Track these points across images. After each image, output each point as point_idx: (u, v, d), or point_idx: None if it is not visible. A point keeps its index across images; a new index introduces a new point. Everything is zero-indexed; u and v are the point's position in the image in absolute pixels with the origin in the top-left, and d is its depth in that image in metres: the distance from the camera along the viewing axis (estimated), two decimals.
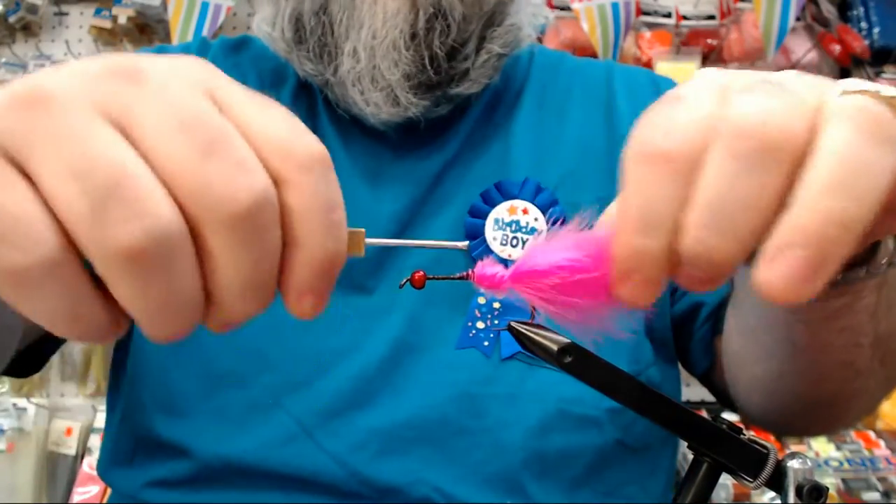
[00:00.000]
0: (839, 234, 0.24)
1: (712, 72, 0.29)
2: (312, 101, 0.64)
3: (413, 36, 0.54)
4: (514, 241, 0.58)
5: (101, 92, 0.24)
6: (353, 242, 0.29)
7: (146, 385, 0.60)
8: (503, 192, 0.59)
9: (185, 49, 0.70)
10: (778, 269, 0.24)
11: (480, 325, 0.57)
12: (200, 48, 0.69)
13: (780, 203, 0.25)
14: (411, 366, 0.57)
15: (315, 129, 0.62)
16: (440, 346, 0.57)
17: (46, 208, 0.22)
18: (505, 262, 0.52)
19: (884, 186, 0.25)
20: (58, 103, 0.23)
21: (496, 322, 0.58)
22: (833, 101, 0.26)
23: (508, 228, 0.58)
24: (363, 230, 0.30)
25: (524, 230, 0.58)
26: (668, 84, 0.68)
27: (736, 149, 0.25)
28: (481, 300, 0.58)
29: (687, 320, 0.63)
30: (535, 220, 0.59)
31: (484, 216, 0.59)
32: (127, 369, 0.62)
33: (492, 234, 0.58)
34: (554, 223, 0.42)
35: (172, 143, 0.23)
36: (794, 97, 0.26)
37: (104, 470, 0.63)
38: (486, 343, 0.57)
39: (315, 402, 0.56)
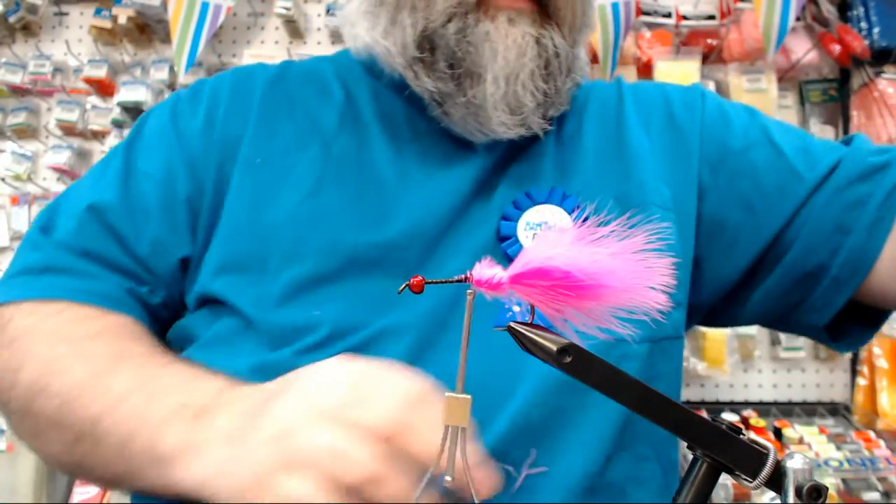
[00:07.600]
0: None
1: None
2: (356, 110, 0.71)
3: (546, 67, 0.64)
4: None
5: None
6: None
7: None
8: (532, 199, 0.67)
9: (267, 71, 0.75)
10: None
11: None
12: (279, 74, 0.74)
13: None
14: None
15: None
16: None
17: None
18: None
19: None
20: None
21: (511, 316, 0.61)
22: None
23: (538, 228, 0.66)
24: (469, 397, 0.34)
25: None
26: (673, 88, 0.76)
27: None
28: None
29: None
30: (561, 220, 0.67)
31: (516, 219, 0.67)
32: None
33: (523, 234, 0.66)
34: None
35: None
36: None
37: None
38: None
39: None
